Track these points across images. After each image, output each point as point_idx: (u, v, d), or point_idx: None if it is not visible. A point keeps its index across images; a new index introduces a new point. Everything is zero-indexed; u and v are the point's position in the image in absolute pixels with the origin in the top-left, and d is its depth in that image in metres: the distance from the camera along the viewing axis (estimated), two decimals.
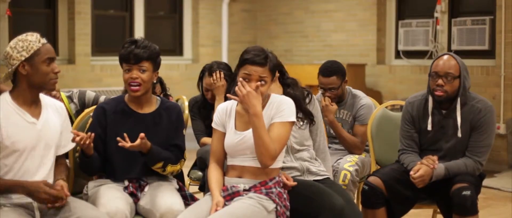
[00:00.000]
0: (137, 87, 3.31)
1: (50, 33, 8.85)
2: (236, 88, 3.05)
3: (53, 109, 3.20)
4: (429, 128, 3.75)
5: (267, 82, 3.15)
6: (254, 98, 3.03)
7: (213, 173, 3.24)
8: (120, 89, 8.07)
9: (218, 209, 3.02)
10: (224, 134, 3.25)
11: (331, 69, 4.40)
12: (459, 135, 3.70)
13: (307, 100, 3.48)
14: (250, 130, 3.14)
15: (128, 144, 3.15)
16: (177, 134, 3.45)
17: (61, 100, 3.83)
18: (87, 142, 3.13)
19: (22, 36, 3.07)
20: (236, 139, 3.18)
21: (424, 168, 3.60)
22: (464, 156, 3.72)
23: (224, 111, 3.26)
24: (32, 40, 3.05)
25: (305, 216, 3.16)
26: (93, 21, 9.07)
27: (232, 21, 10.17)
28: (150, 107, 3.42)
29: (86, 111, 3.68)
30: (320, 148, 3.55)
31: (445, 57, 3.71)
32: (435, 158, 3.62)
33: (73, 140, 3.12)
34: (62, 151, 3.25)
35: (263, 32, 10.34)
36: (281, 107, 3.16)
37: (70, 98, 3.90)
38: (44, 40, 3.09)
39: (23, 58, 3.01)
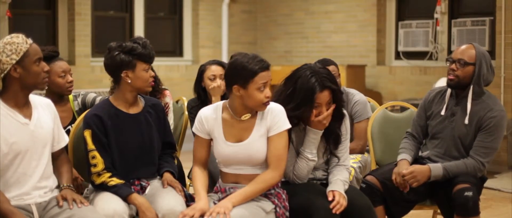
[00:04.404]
0: (153, 82, 3.50)
1: (50, 35, 8.86)
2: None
3: (43, 107, 3.17)
4: (443, 112, 3.78)
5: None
6: (224, 209, 2.98)
7: (198, 175, 3.25)
8: None
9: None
10: (208, 141, 3.24)
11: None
12: (466, 121, 3.70)
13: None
14: (243, 143, 3.14)
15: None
16: (167, 131, 3.50)
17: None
18: None
19: (8, 39, 3.02)
20: (228, 150, 3.16)
21: (415, 165, 3.67)
22: (467, 154, 3.72)
23: (208, 119, 3.21)
24: (20, 42, 3.00)
25: (301, 216, 3.16)
26: (93, 22, 9.07)
27: (232, 22, 10.16)
28: (138, 107, 3.40)
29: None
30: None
31: (467, 45, 3.78)
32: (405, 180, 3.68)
33: None
34: (57, 147, 3.23)
35: (263, 33, 10.34)
36: (276, 118, 3.14)
37: (75, 97, 3.94)
38: (30, 40, 3.05)
39: (14, 62, 2.96)
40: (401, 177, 3.65)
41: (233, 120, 3.17)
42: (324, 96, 3.19)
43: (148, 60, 3.32)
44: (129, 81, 3.29)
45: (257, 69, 3.05)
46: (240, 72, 3.06)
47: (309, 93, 3.17)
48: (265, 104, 3.11)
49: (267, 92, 3.08)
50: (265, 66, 3.07)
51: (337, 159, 3.34)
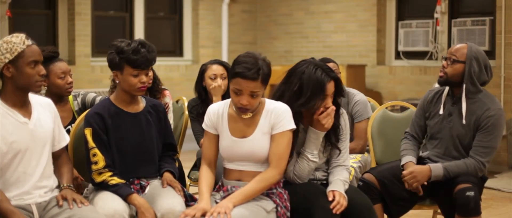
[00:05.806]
0: (145, 87, 3.32)
1: (50, 34, 8.86)
2: None
3: (43, 106, 3.16)
4: (441, 112, 3.78)
5: (259, 95, 3.11)
6: (225, 209, 2.98)
7: (205, 175, 3.23)
8: None
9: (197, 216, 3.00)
10: (216, 136, 3.24)
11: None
12: (464, 121, 3.70)
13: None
14: (247, 138, 3.15)
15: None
16: (168, 132, 3.49)
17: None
18: None
19: (7, 38, 3.01)
20: (232, 145, 3.17)
21: (415, 165, 3.67)
22: (467, 154, 3.72)
23: (216, 113, 3.23)
24: (16, 41, 2.99)
25: (302, 216, 3.16)
26: (93, 22, 9.08)
27: (232, 22, 10.17)
28: (139, 106, 3.40)
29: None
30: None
31: (461, 44, 3.79)
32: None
33: None
34: (58, 146, 3.22)
35: (263, 33, 10.34)
36: (279, 117, 3.13)
37: (74, 96, 3.95)
38: (29, 42, 3.02)
39: (7, 60, 2.95)
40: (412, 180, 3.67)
41: (238, 116, 3.19)
42: (331, 86, 3.22)
43: (137, 66, 3.23)
44: (118, 81, 3.30)
45: (235, 73, 3.06)
46: (231, 68, 3.13)
47: (319, 84, 3.18)
48: (240, 109, 3.11)
49: (242, 99, 3.06)
50: (247, 75, 3.02)
51: (338, 151, 3.34)
